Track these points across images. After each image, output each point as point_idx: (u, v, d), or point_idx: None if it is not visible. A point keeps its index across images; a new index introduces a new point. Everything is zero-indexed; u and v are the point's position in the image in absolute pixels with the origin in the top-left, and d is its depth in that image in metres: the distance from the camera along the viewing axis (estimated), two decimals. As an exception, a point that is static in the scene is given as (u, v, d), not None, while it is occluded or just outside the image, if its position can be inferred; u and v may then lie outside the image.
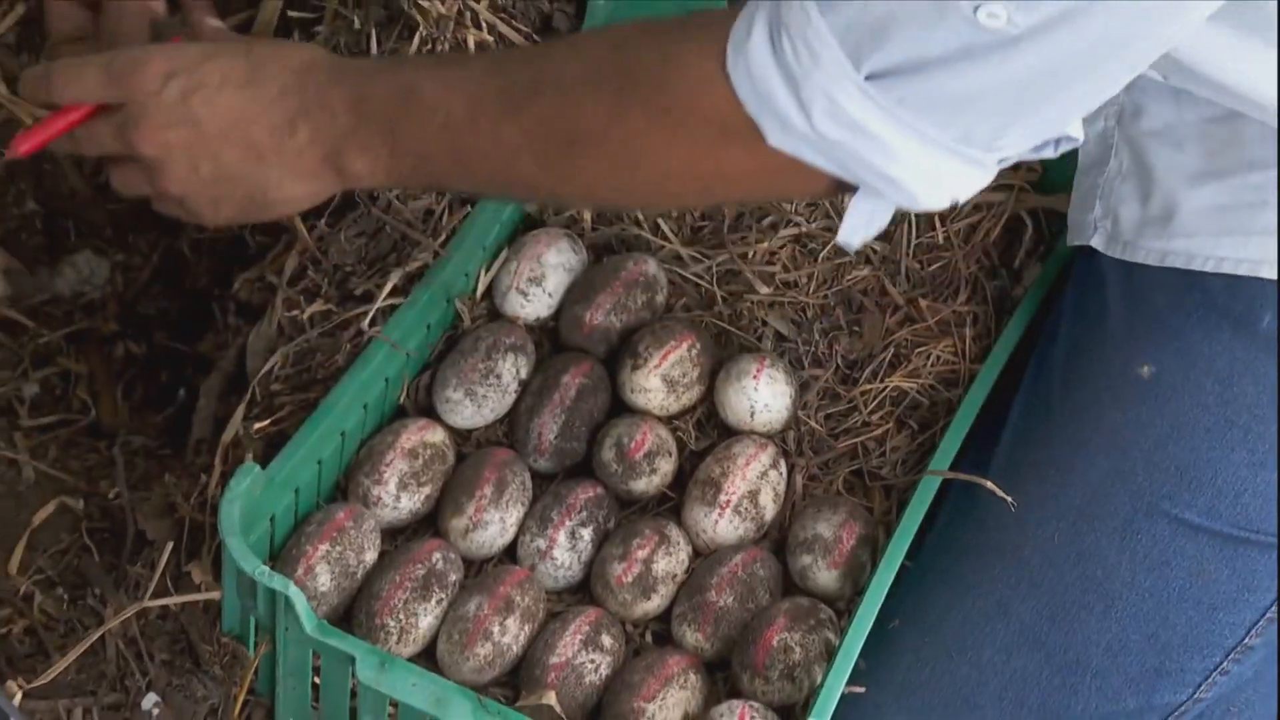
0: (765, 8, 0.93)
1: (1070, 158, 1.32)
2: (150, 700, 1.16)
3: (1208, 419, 1.19)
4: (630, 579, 1.21)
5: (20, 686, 1.14)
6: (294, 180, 1.11)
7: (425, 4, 1.42)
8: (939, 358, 1.34)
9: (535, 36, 1.48)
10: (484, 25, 1.44)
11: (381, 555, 1.21)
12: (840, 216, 1.29)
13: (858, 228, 1.00)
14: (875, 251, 1.39)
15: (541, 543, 1.23)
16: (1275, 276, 1.19)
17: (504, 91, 1.04)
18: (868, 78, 0.93)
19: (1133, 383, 1.23)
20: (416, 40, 1.40)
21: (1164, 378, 1.21)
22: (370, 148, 1.08)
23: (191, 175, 1.10)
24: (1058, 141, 1.01)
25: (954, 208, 1.37)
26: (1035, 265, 1.38)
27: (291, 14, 1.50)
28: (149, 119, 1.08)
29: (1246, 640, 1.21)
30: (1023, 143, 0.99)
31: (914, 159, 0.95)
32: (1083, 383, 1.26)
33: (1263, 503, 1.18)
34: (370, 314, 1.29)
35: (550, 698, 1.14)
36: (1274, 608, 1.21)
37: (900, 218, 1.38)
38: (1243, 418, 1.19)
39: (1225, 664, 1.20)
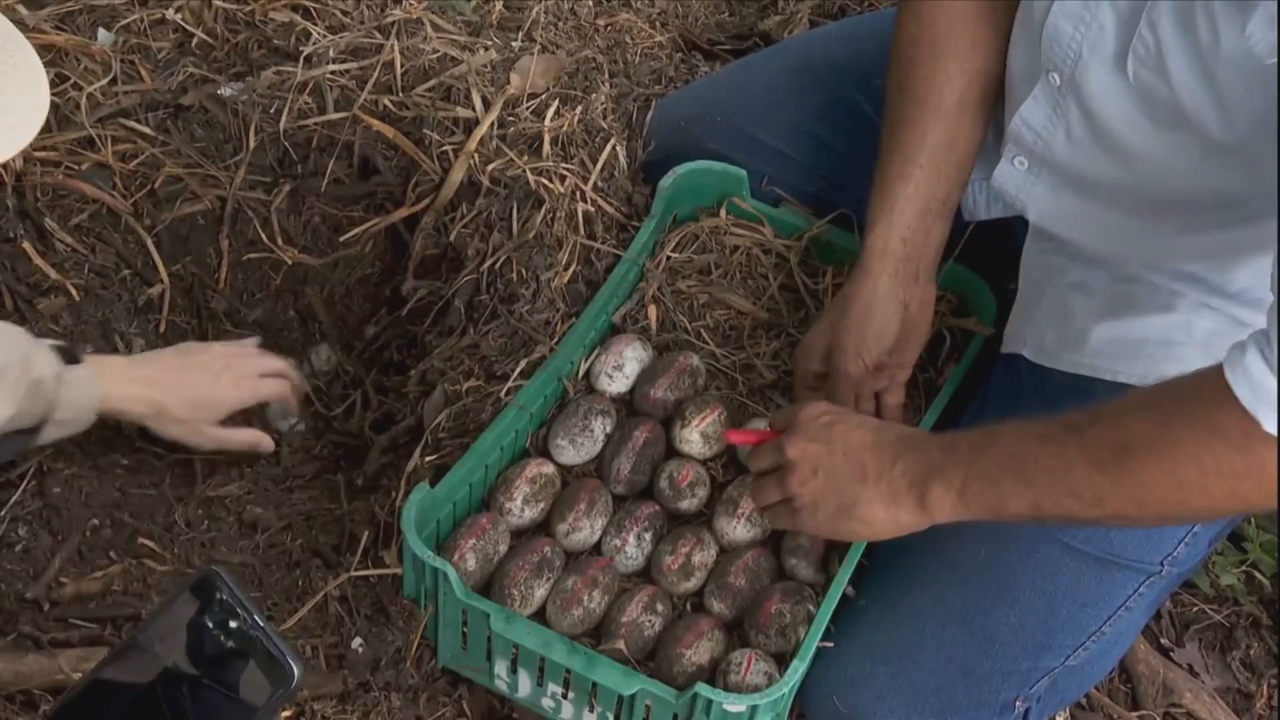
0: (1251, 339, 1.00)
1: (983, 297, 1.47)
2: (357, 641, 1.29)
3: None
4: (676, 566, 1.34)
5: (272, 631, 1.29)
6: (882, 504, 1.18)
7: (550, 185, 1.55)
8: (888, 424, 1.39)
9: (623, 209, 1.56)
10: (588, 199, 1.56)
11: (510, 548, 1.33)
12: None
13: None
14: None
15: (618, 542, 1.36)
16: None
17: (1067, 423, 1.10)
18: None
19: None
20: (544, 210, 1.51)
21: None
22: (950, 480, 1.15)
23: (810, 479, 1.21)
24: None
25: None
26: (951, 365, 1.48)
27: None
28: (802, 433, 1.22)
29: (1103, 628, 1.32)
30: None
31: None
32: None
33: (1124, 537, 1.29)
34: (506, 388, 1.40)
35: (620, 644, 1.28)
36: (1121, 609, 1.31)
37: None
38: None
39: (1087, 642, 1.33)
